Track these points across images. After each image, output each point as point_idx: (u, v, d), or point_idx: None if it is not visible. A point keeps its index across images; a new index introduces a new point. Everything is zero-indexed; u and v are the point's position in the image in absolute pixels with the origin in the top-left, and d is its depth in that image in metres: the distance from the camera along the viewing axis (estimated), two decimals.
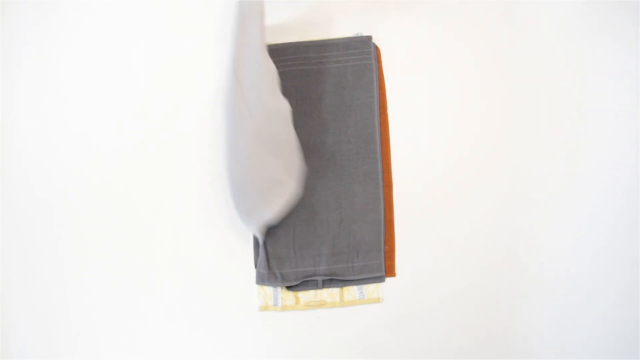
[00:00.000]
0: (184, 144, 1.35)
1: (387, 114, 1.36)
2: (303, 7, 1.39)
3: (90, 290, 1.33)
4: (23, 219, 1.34)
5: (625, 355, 1.32)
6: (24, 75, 1.37)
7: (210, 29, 1.38)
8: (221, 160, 1.28)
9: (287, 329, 1.32)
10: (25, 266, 1.33)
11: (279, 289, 1.32)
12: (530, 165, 1.36)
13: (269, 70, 1.21)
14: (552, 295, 1.34)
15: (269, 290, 1.32)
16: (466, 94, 1.37)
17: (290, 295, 1.32)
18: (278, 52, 1.36)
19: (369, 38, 1.37)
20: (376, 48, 1.38)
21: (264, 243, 1.32)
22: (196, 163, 1.35)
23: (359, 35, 1.37)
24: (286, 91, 1.34)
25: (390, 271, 1.34)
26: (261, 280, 1.31)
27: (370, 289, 1.33)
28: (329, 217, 1.33)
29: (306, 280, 1.32)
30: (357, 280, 1.33)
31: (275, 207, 1.24)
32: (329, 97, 1.35)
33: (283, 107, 1.23)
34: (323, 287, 1.33)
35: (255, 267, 1.32)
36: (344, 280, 1.33)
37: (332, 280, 1.33)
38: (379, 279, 1.33)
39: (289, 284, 1.31)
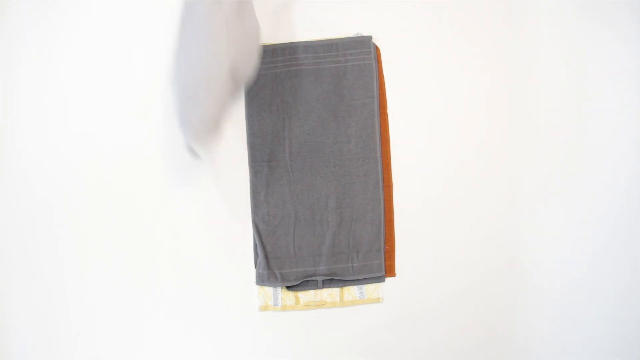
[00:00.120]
0: (184, 144, 1.35)
1: (387, 114, 1.36)
2: (303, 7, 1.39)
3: (90, 290, 1.33)
4: (23, 219, 1.34)
5: (625, 355, 1.32)
6: (24, 75, 1.37)
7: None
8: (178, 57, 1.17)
9: (287, 329, 1.32)
10: (25, 266, 1.33)
11: (279, 289, 1.32)
12: (530, 165, 1.36)
13: None
14: (552, 295, 1.34)
15: (269, 290, 1.32)
16: (466, 94, 1.37)
17: (290, 295, 1.32)
18: (278, 52, 1.36)
19: (369, 38, 1.37)
20: (376, 48, 1.38)
21: (263, 243, 1.32)
22: (196, 163, 1.35)
23: (359, 35, 1.37)
24: (286, 91, 1.35)
25: (390, 271, 1.34)
26: (261, 280, 1.31)
27: (370, 289, 1.33)
28: (329, 217, 1.33)
29: (306, 280, 1.32)
30: (357, 280, 1.33)
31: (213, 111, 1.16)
32: (328, 97, 1.35)
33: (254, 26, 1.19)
34: (323, 287, 1.33)
35: (255, 267, 1.32)
36: (344, 280, 1.33)
37: (332, 280, 1.33)
38: (379, 279, 1.33)
39: (289, 284, 1.31)
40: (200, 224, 1.34)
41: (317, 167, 1.34)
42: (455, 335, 1.33)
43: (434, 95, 1.37)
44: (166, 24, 1.38)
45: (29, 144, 1.36)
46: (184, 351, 1.32)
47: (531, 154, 1.36)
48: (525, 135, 1.36)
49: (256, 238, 1.32)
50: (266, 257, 1.31)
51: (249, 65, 1.24)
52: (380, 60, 1.38)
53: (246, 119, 1.35)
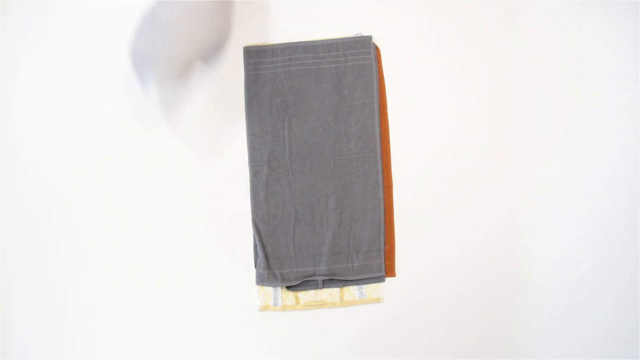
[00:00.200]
0: (184, 144, 1.35)
1: (387, 114, 1.36)
2: (303, 7, 1.39)
3: (90, 290, 1.33)
4: (23, 219, 1.34)
5: (625, 355, 1.32)
6: (24, 75, 1.37)
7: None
8: None
9: (287, 329, 1.32)
10: (25, 266, 1.33)
11: (279, 289, 1.32)
12: (530, 165, 1.36)
13: None
14: (552, 295, 1.34)
15: (269, 290, 1.32)
16: (466, 94, 1.37)
17: (290, 295, 1.32)
18: (278, 52, 1.36)
19: (369, 38, 1.37)
20: (376, 48, 1.38)
21: (263, 243, 1.32)
22: (196, 163, 1.35)
23: (359, 35, 1.37)
24: (286, 91, 1.35)
25: (390, 271, 1.34)
26: (261, 280, 1.31)
27: (370, 289, 1.33)
28: (329, 217, 1.33)
29: (306, 280, 1.32)
30: (357, 280, 1.33)
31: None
32: (328, 97, 1.35)
33: None
34: (323, 287, 1.33)
35: (255, 267, 1.32)
36: (344, 280, 1.33)
37: (332, 280, 1.33)
38: (379, 279, 1.33)
39: (288, 284, 1.31)
40: (200, 224, 1.34)
41: (317, 167, 1.34)
42: (455, 335, 1.33)
43: (434, 95, 1.37)
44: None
45: (29, 144, 1.36)
46: (184, 351, 1.32)
47: (531, 154, 1.36)
48: (526, 135, 1.36)
49: (256, 238, 1.32)
50: (266, 257, 1.31)
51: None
52: (380, 60, 1.38)
53: (246, 119, 1.35)
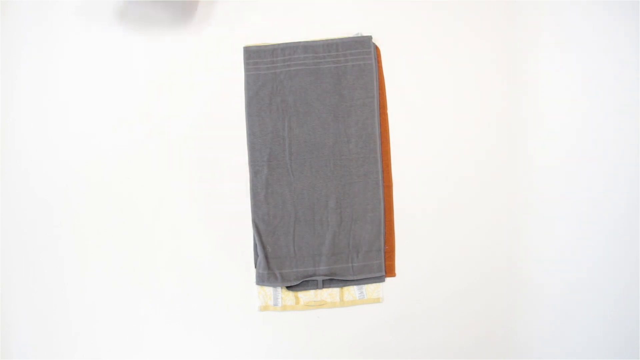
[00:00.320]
0: (184, 144, 1.35)
1: (387, 114, 1.36)
2: (303, 7, 1.39)
3: (90, 290, 1.33)
4: (23, 219, 1.34)
5: (625, 355, 1.32)
6: (24, 75, 1.37)
7: (210, 29, 1.38)
8: None
9: (287, 329, 1.32)
10: (25, 266, 1.33)
11: (279, 289, 1.32)
12: (530, 165, 1.36)
13: None
14: (552, 295, 1.34)
15: (269, 290, 1.32)
16: (466, 94, 1.37)
17: (290, 295, 1.32)
18: (278, 52, 1.36)
19: (369, 38, 1.37)
20: (376, 48, 1.38)
21: (263, 243, 1.32)
22: (196, 163, 1.35)
23: (359, 35, 1.37)
24: (286, 91, 1.35)
25: (390, 271, 1.34)
26: (261, 280, 1.31)
27: (370, 289, 1.33)
28: (329, 217, 1.33)
29: (306, 280, 1.32)
30: (357, 280, 1.33)
31: None
32: (328, 97, 1.35)
33: None
34: (323, 287, 1.33)
35: (255, 267, 1.32)
36: (344, 280, 1.33)
37: (332, 280, 1.33)
38: (379, 279, 1.33)
39: (288, 284, 1.31)
40: (200, 224, 1.34)
41: (317, 167, 1.34)
42: (455, 335, 1.33)
43: (434, 95, 1.37)
44: (166, 24, 1.38)
45: (29, 144, 1.36)
46: (184, 351, 1.32)
47: (531, 154, 1.36)
48: (526, 135, 1.36)
49: (256, 238, 1.32)
50: (266, 257, 1.31)
51: None
52: (380, 60, 1.38)
53: (246, 119, 1.35)
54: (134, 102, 1.37)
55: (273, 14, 1.38)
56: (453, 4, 1.39)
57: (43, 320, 1.32)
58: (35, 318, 1.32)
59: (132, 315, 1.32)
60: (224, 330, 1.32)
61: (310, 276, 1.32)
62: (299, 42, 1.36)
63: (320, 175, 1.34)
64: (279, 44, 1.36)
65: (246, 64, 1.36)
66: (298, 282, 1.31)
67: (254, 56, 1.36)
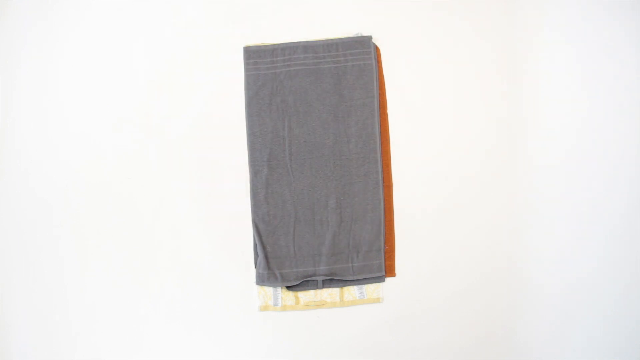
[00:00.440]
0: (184, 144, 1.35)
1: (387, 114, 1.36)
2: (303, 7, 1.39)
3: (90, 290, 1.33)
4: (23, 219, 1.34)
5: (625, 355, 1.32)
6: (24, 75, 1.37)
7: (210, 30, 1.38)
8: None
9: (287, 329, 1.32)
10: (25, 266, 1.33)
11: (279, 289, 1.32)
12: (530, 165, 1.36)
13: None
14: (552, 295, 1.34)
15: (269, 290, 1.32)
16: (466, 94, 1.37)
17: (290, 295, 1.32)
18: (278, 52, 1.36)
19: (369, 38, 1.37)
20: (376, 48, 1.38)
21: (263, 243, 1.32)
22: (196, 163, 1.35)
23: (359, 35, 1.37)
24: (286, 91, 1.35)
25: (390, 271, 1.34)
26: (261, 280, 1.31)
27: (370, 289, 1.33)
28: (329, 217, 1.33)
29: (306, 280, 1.32)
30: (357, 280, 1.33)
31: None
32: (328, 97, 1.35)
33: None
34: (323, 287, 1.33)
35: (255, 267, 1.32)
36: (344, 280, 1.33)
37: (332, 280, 1.33)
38: (379, 279, 1.33)
39: (288, 284, 1.31)
40: (200, 224, 1.34)
41: (317, 167, 1.34)
42: (455, 335, 1.33)
43: (434, 95, 1.37)
44: (166, 24, 1.38)
45: (29, 144, 1.36)
46: (184, 351, 1.32)
47: (531, 155, 1.36)
48: (525, 135, 1.36)
49: (256, 238, 1.32)
50: (266, 257, 1.31)
51: None
52: (380, 60, 1.37)
53: (246, 119, 1.35)
54: (134, 102, 1.36)
55: (273, 14, 1.38)
56: (453, 4, 1.39)
57: (43, 320, 1.32)
58: (35, 318, 1.32)
59: (132, 315, 1.32)
60: (224, 330, 1.32)
61: (310, 276, 1.32)
62: (299, 42, 1.36)
63: (320, 175, 1.34)
64: (279, 44, 1.36)
65: (246, 64, 1.36)
66: (298, 282, 1.31)
67: (254, 56, 1.36)
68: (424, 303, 1.33)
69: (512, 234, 1.35)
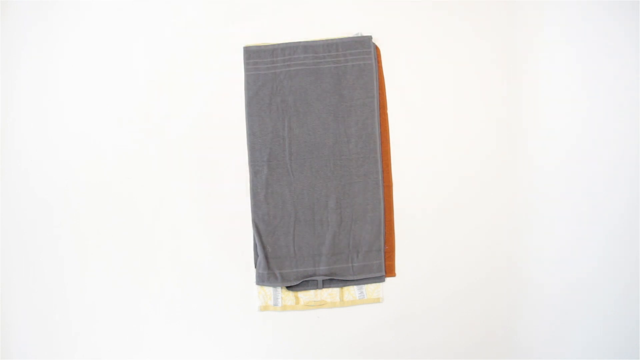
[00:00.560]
0: (184, 144, 1.35)
1: (387, 114, 1.36)
2: (303, 7, 1.39)
3: (90, 290, 1.33)
4: (23, 219, 1.34)
5: (625, 355, 1.32)
6: (24, 75, 1.37)
7: (210, 30, 1.38)
8: None
9: (287, 329, 1.32)
10: (25, 266, 1.33)
11: (279, 289, 1.32)
12: (530, 166, 1.36)
13: None
14: (552, 295, 1.34)
15: (269, 290, 1.32)
16: (466, 94, 1.37)
17: (290, 295, 1.33)
18: (278, 52, 1.36)
19: (369, 38, 1.37)
20: (376, 48, 1.38)
21: (263, 243, 1.32)
22: (196, 163, 1.35)
23: (359, 35, 1.37)
24: (286, 91, 1.35)
25: (390, 271, 1.34)
26: (261, 280, 1.31)
27: (370, 289, 1.33)
28: (329, 217, 1.33)
29: (306, 280, 1.32)
30: (357, 280, 1.33)
31: None
32: (328, 97, 1.35)
33: None
34: (323, 287, 1.33)
35: (255, 267, 1.32)
36: (344, 280, 1.33)
37: (332, 280, 1.33)
38: (379, 279, 1.33)
39: (288, 284, 1.31)
40: (200, 224, 1.34)
41: (317, 167, 1.34)
42: (455, 335, 1.33)
43: (434, 95, 1.37)
44: (166, 24, 1.38)
45: (29, 144, 1.36)
46: (184, 351, 1.32)
47: (531, 155, 1.36)
48: (525, 135, 1.36)
49: (256, 238, 1.32)
50: (266, 257, 1.31)
51: None
52: (380, 60, 1.38)
53: (246, 119, 1.35)
54: (134, 102, 1.36)
55: (273, 14, 1.38)
56: (453, 4, 1.39)
57: (43, 320, 1.32)
58: (35, 318, 1.32)
59: (132, 315, 1.32)
60: (224, 330, 1.32)
61: (310, 276, 1.32)
62: (299, 42, 1.36)
63: (320, 175, 1.34)
64: (279, 44, 1.36)
65: (246, 64, 1.36)
66: (298, 282, 1.31)
67: (254, 56, 1.36)
68: (424, 303, 1.33)
69: (512, 234, 1.35)
